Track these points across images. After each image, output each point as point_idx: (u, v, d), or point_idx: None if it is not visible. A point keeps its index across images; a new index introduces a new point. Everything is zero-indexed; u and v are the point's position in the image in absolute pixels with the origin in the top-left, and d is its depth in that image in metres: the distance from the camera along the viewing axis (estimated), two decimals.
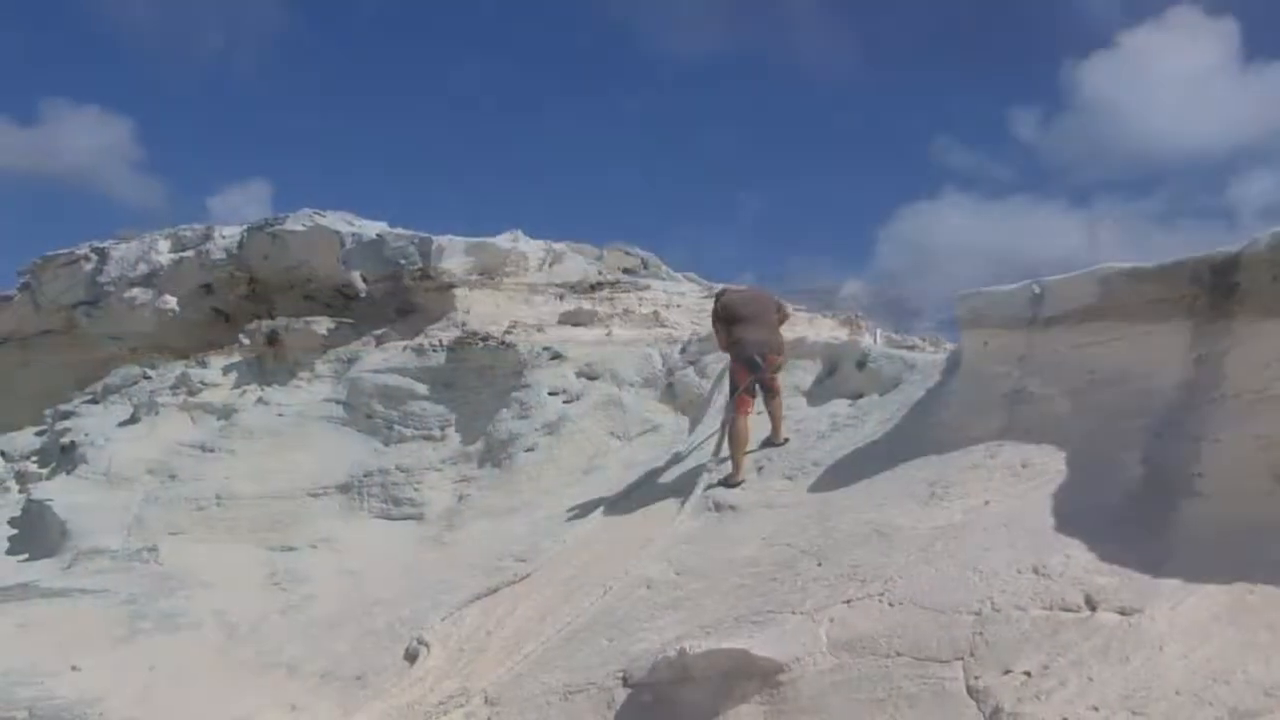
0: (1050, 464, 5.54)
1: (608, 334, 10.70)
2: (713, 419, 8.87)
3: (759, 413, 7.97)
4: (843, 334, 11.08)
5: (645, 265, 15.22)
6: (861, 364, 8.65)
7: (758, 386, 7.87)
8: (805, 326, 11.94)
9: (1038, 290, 6.18)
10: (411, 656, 6.93)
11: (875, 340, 12.27)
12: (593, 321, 11.26)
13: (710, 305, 12.90)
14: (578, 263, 13.21)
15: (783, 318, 8.40)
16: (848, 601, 5.00)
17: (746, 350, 7.82)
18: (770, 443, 7.89)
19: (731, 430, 7.68)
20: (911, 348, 11.88)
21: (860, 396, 8.40)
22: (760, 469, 7.56)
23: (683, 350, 10.23)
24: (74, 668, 7.74)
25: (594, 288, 12.73)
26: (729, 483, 7.47)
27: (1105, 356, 5.71)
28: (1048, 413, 5.88)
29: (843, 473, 6.81)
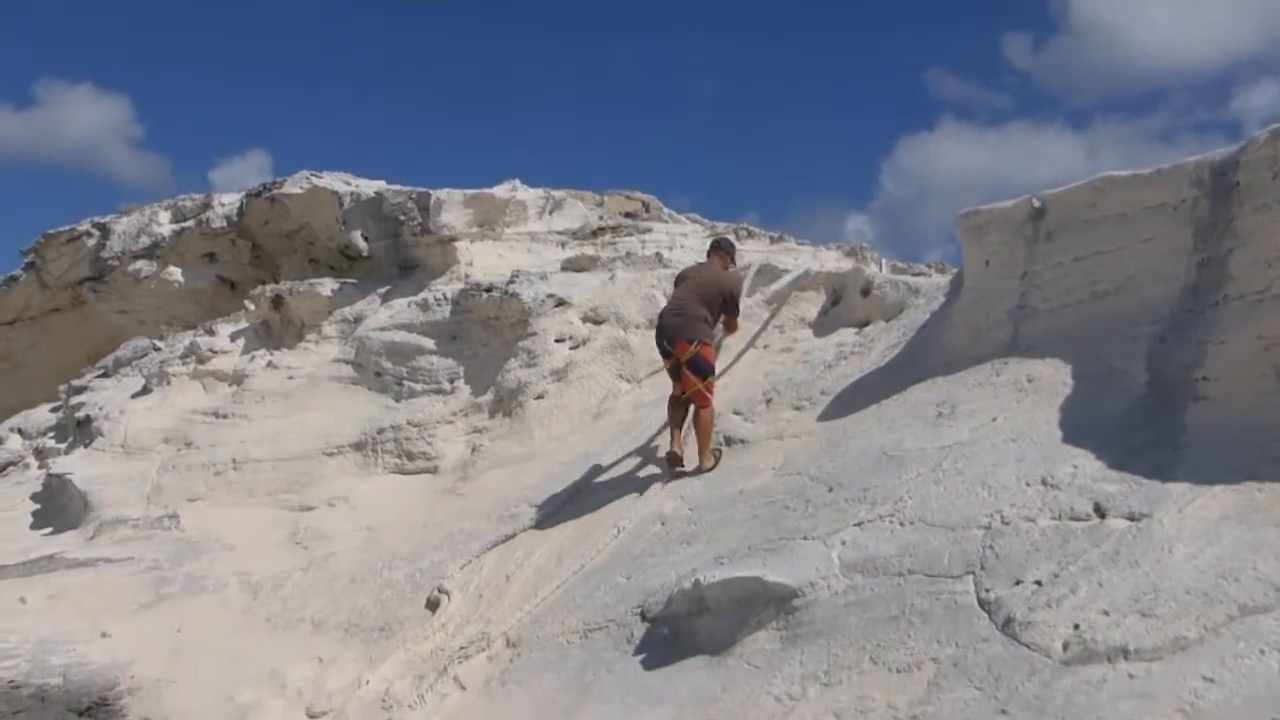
0: (1056, 377, 5.54)
1: (611, 278, 10.65)
2: (721, 357, 8.86)
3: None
4: (847, 265, 11.00)
5: (647, 209, 15.09)
6: (866, 291, 8.61)
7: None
8: (809, 258, 11.89)
9: (1038, 204, 6.14)
10: (433, 605, 7.02)
11: (881, 269, 12.22)
12: (595, 266, 11.19)
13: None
14: (578, 209, 13.09)
15: (732, 311, 7.71)
16: (859, 524, 5.03)
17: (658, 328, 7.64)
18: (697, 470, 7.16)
19: (668, 406, 7.56)
20: (918, 274, 11.85)
21: (866, 324, 8.38)
22: (769, 401, 7.56)
23: None
24: (104, 634, 7.85)
25: (595, 233, 12.64)
26: (666, 456, 7.35)
27: (1107, 266, 5.68)
28: (1052, 327, 5.86)
29: (851, 400, 6.82)
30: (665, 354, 7.47)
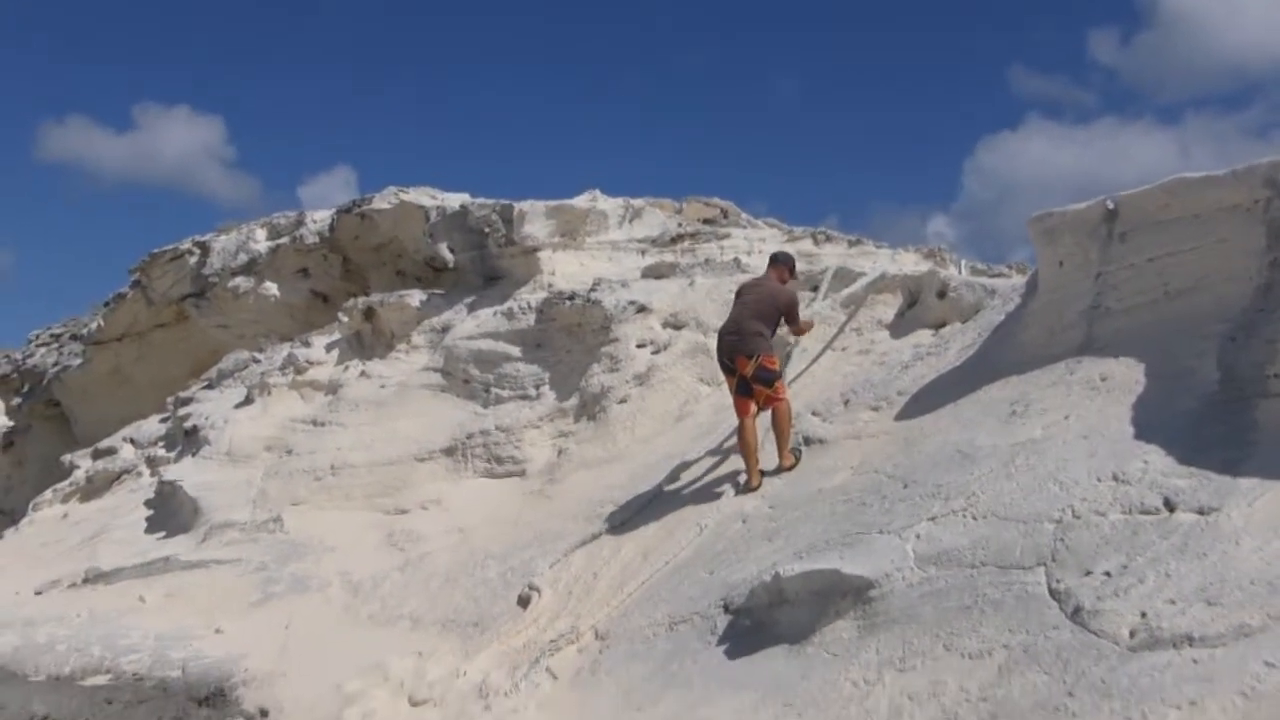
0: (1129, 376, 5.64)
1: (690, 284, 10.90)
2: (799, 359, 9.06)
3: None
4: (925, 267, 11.09)
5: (725, 215, 15.30)
6: (942, 294, 8.73)
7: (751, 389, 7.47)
8: (887, 261, 12.01)
9: (1111, 206, 6.24)
10: (524, 601, 7.33)
11: (960, 271, 12.26)
12: (675, 273, 11.46)
13: (790, 250, 13.07)
14: (657, 217, 13.36)
15: (792, 323, 7.93)
16: (933, 518, 5.21)
17: (718, 347, 7.82)
18: (777, 469, 7.37)
19: (738, 436, 7.61)
20: (998, 275, 11.88)
21: (943, 325, 8.50)
22: (847, 402, 7.73)
23: None
24: (217, 630, 8.34)
25: (674, 240, 12.89)
26: (744, 488, 7.35)
27: (1180, 266, 5.77)
28: (1125, 326, 5.97)
29: (926, 399, 6.97)
30: (728, 370, 7.64)
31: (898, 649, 4.54)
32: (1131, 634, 3.88)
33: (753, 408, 7.48)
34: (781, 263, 8.29)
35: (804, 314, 8.38)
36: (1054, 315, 6.49)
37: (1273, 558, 3.91)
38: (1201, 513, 4.34)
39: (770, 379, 7.44)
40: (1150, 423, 5.15)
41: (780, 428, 7.40)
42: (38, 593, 9.81)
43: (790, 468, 7.28)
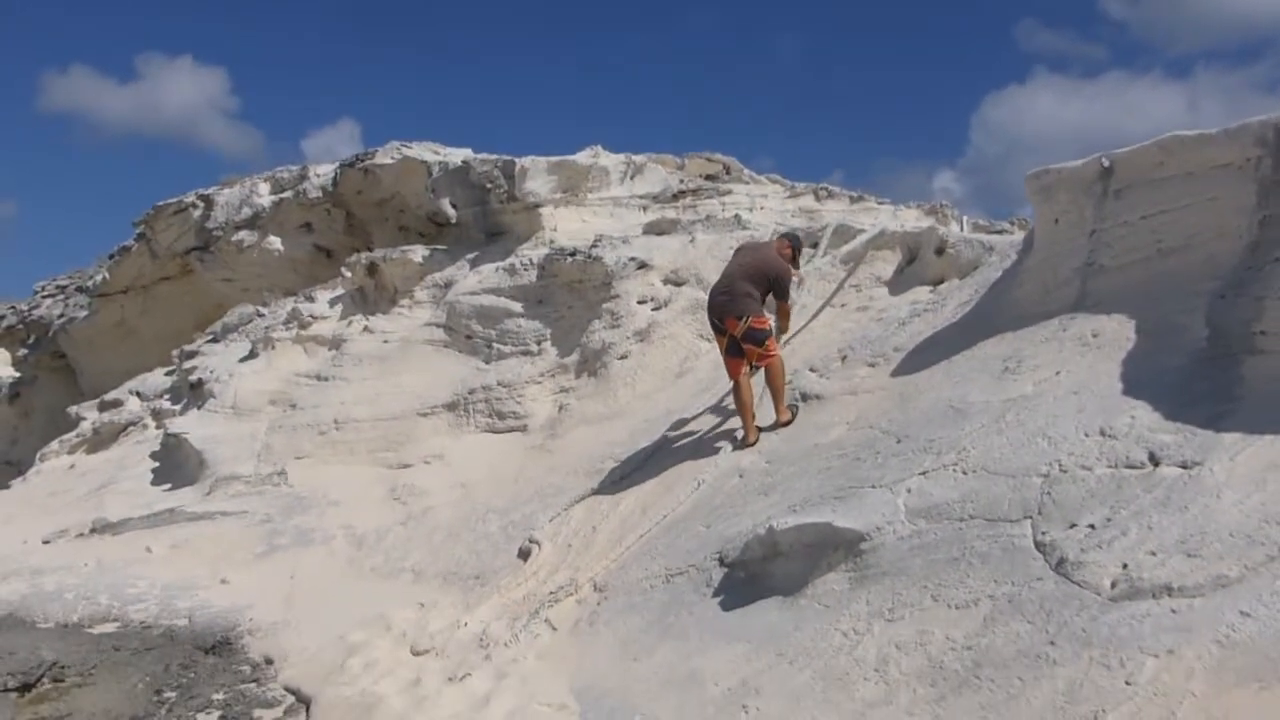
0: (1120, 332, 5.70)
1: (691, 240, 10.93)
2: (798, 316, 9.10)
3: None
4: (926, 224, 11.11)
5: (727, 171, 15.29)
6: (940, 250, 8.76)
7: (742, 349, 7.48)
8: (888, 218, 12.01)
9: (1107, 163, 6.25)
10: (524, 555, 7.46)
11: (962, 227, 12.27)
12: (676, 229, 11.49)
13: (792, 206, 13.08)
14: (658, 173, 13.36)
15: (780, 297, 7.85)
16: (924, 473, 5.30)
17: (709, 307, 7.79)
18: (774, 425, 7.40)
19: (734, 395, 7.65)
20: (1000, 232, 11.88)
21: (941, 282, 8.54)
22: (845, 358, 7.79)
23: None
24: (223, 580, 8.50)
25: (676, 196, 12.91)
26: (741, 444, 7.39)
27: (1172, 224, 5.80)
28: (1118, 283, 6.01)
29: (922, 356, 7.03)
30: (719, 330, 7.63)
31: (887, 600, 4.65)
32: (1113, 585, 3.97)
33: (745, 368, 7.50)
34: (788, 239, 8.28)
35: (804, 268, 8.34)
36: (1049, 272, 6.53)
37: (1252, 510, 3.99)
38: (1185, 467, 4.42)
39: (761, 338, 7.43)
40: (1139, 378, 5.21)
41: (775, 384, 7.47)
42: (45, 542, 9.99)
43: (787, 423, 7.35)
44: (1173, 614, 3.70)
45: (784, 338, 8.32)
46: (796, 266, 8.37)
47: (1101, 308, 5.97)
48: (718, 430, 7.93)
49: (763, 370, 7.58)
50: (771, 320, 7.77)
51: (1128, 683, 3.54)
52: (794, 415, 7.41)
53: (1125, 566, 4.01)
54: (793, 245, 8.24)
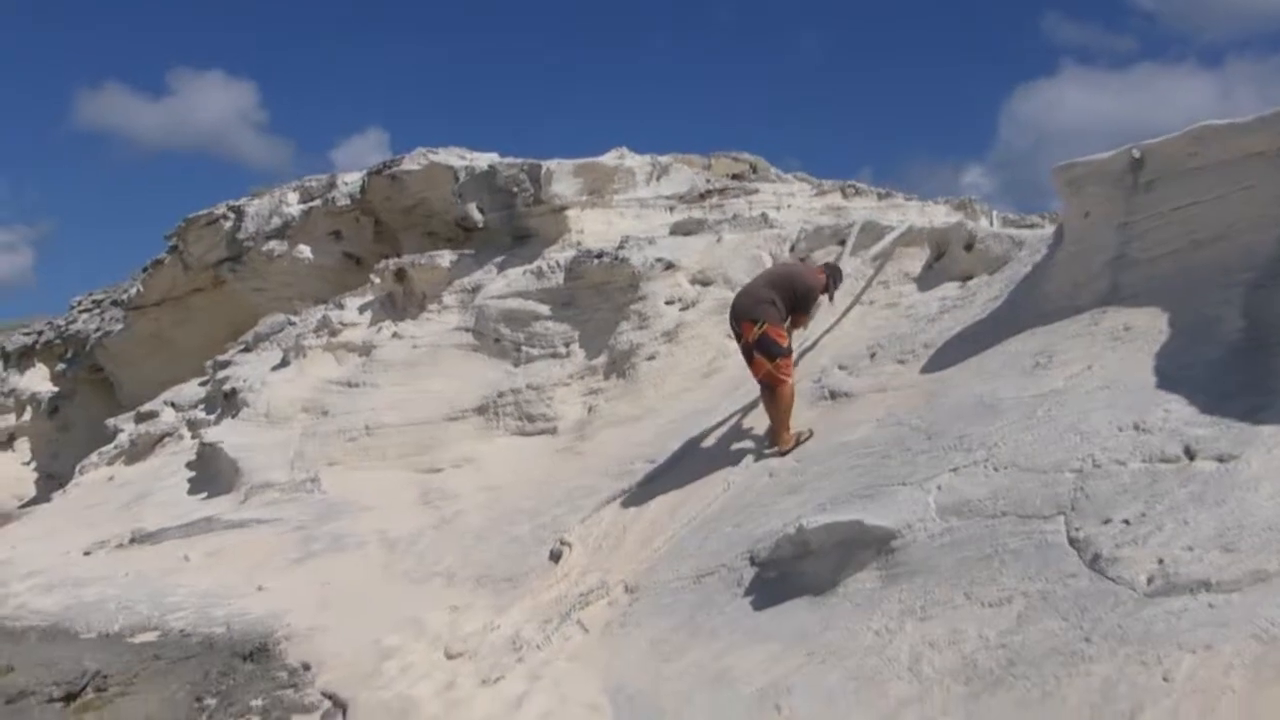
0: (1153, 326, 5.63)
1: (718, 240, 10.92)
2: (826, 315, 9.06)
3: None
4: (954, 219, 11.03)
5: (754, 170, 15.27)
6: (969, 246, 8.69)
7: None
8: (916, 214, 11.94)
9: (1137, 155, 6.19)
10: (555, 557, 7.46)
11: (991, 222, 12.19)
12: (702, 229, 11.47)
13: (819, 204, 13.03)
14: (684, 174, 13.35)
15: (802, 312, 7.52)
16: (954, 470, 5.25)
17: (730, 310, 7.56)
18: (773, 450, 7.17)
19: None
20: (1030, 226, 11.79)
21: (970, 278, 8.47)
22: (873, 355, 7.75)
23: (792, 249, 10.40)
24: (260, 587, 8.56)
25: (702, 196, 12.90)
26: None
27: (1206, 215, 5.74)
28: (1150, 276, 5.94)
29: (951, 352, 6.98)
30: (736, 334, 7.47)
31: (919, 598, 4.61)
32: (1149, 580, 3.91)
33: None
34: (826, 268, 8.10)
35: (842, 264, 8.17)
36: (1079, 267, 6.46)
37: None
38: (1221, 460, 4.35)
39: (774, 352, 7.07)
40: (1173, 372, 5.15)
41: (779, 409, 7.12)
42: (86, 553, 10.12)
43: (789, 451, 7.00)
44: (1210, 609, 3.65)
45: (798, 348, 8.09)
46: (830, 298, 8.06)
47: (1133, 301, 5.90)
48: (747, 430, 7.90)
49: (763, 392, 7.25)
50: (790, 339, 7.39)
51: (1165, 679, 3.48)
52: (799, 442, 7.02)
53: (1161, 562, 3.95)
54: (829, 275, 7.94)
